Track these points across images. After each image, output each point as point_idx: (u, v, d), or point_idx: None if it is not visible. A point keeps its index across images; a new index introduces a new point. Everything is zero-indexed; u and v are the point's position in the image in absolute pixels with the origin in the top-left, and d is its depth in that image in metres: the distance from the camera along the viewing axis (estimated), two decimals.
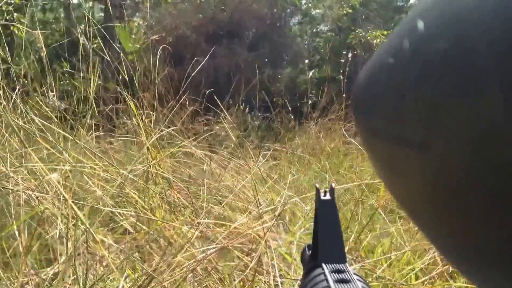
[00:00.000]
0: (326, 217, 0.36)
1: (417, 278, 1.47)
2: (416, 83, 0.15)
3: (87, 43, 2.77)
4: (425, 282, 1.38)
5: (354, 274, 0.32)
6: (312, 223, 0.38)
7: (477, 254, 0.15)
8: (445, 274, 1.40)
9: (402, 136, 0.16)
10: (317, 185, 0.37)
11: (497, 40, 0.12)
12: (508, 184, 0.12)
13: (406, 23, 0.17)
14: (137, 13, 4.78)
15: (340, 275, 0.32)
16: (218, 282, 1.48)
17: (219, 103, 2.54)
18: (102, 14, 5.15)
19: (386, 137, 0.18)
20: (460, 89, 0.13)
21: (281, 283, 1.37)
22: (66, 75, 3.08)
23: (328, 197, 0.37)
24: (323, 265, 0.34)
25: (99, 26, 2.62)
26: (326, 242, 0.35)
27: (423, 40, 0.15)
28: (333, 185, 0.37)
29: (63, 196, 1.48)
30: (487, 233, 0.14)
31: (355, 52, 6.81)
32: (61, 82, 3.07)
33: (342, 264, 0.34)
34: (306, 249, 0.40)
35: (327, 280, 0.32)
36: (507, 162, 0.12)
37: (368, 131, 0.20)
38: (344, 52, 5.29)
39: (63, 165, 1.67)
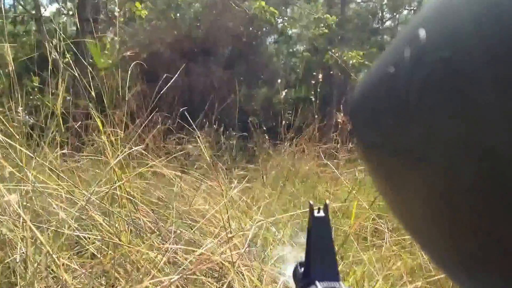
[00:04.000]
0: (320, 234, 0.35)
1: None
2: (419, 93, 0.15)
3: (58, 58, 2.69)
4: None
5: None
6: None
7: (479, 269, 0.15)
8: None
9: (402, 149, 0.16)
10: (311, 202, 0.37)
11: (500, 50, 0.12)
12: (508, 195, 0.12)
13: (407, 32, 0.16)
14: (110, 28, 4.71)
15: None
16: None
17: (193, 121, 2.50)
18: (75, 29, 5.06)
19: (386, 150, 0.17)
20: (464, 100, 0.13)
21: None
22: (35, 90, 2.98)
23: (322, 214, 0.36)
24: (317, 283, 0.33)
25: (70, 41, 2.55)
26: (319, 259, 0.35)
27: (426, 49, 0.15)
28: (328, 202, 0.36)
29: (23, 218, 1.41)
30: (490, 248, 0.13)
31: (331, 73, 6.90)
32: (30, 97, 2.97)
33: (336, 282, 0.33)
34: (298, 266, 0.40)
35: None
36: (510, 177, 0.12)
37: (367, 144, 0.19)
38: (314, 74, 5.33)
39: (24, 186, 1.59)
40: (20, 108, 2.13)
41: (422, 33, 0.15)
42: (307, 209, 0.37)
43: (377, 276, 1.52)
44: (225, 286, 1.45)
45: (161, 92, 2.48)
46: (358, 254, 1.69)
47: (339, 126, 3.73)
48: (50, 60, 2.37)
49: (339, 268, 1.22)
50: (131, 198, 1.81)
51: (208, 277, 1.60)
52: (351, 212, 2.09)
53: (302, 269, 0.37)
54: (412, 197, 0.16)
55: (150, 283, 1.39)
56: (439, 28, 0.14)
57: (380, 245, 1.87)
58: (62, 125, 2.08)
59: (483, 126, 0.12)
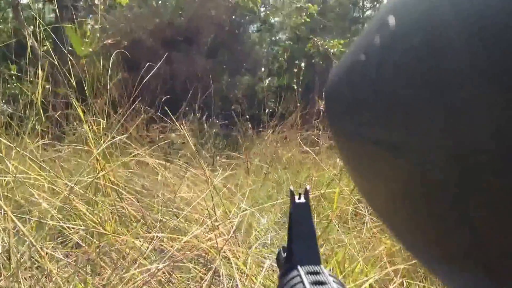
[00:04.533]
0: (301, 219, 0.36)
1: None
2: (388, 82, 0.14)
3: (36, 46, 2.64)
4: None
5: (329, 275, 0.33)
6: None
7: (448, 257, 0.15)
8: (399, 286, 1.43)
9: (375, 138, 0.16)
10: (292, 188, 0.37)
11: (472, 36, 0.12)
12: (481, 189, 0.12)
13: (378, 19, 0.16)
14: (90, 15, 4.62)
15: (315, 276, 0.32)
16: None
17: (176, 110, 2.49)
18: (53, 16, 4.96)
19: (359, 139, 0.17)
20: (434, 88, 0.13)
21: None
22: (13, 78, 2.92)
23: (302, 200, 0.37)
24: (299, 267, 0.34)
25: (48, 27, 2.51)
26: (301, 244, 0.36)
27: (396, 36, 0.15)
28: (308, 188, 0.37)
29: (4, 209, 1.39)
30: (458, 236, 0.14)
31: (313, 61, 6.91)
32: (8, 86, 2.91)
33: (317, 266, 0.34)
34: (281, 251, 0.41)
35: (303, 282, 0.32)
36: (482, 166, 0.12)
37: (341, 133, 0.19)
38: (297, 62, 5.34)
39: (4, 176, 1.57)
40: None
41: (391, 20, 0.15)
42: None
43: (358, 257, 1.55)
44: (211, 272, 1.47)
45: (144, 81, 2.46)
46: (340, 237, 1.72)
47: (321, 113, 3.76)
48: (28, 48, 2.33)
49: (322, 250, 1.26)
50: (115, 187, 1.80)
51: (195, 263, 1.61)
52: (333, 197, 2.12)
53: (285, 254, 0.38)
54: (385, 187, 0.16)
55: (136, 271, 1.40)
56: (409, 15, 0.14)
57: (360, 228, 1.90)
58: (42, 114, 2.05)
59: (459, 113, 0.12)
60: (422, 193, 0.14)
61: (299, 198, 0.37)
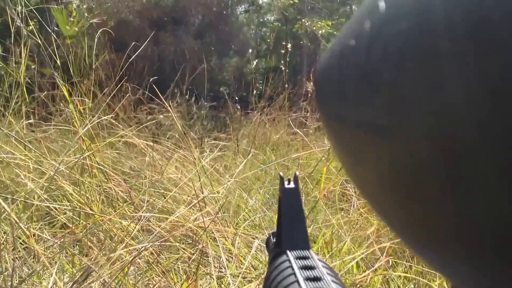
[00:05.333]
0: (290, 205, 0.36)
1: (358, 266, 1.51)
2: (377, 66, 0.15)
3: (22, 26, 2.58)
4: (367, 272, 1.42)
5: (318, 260, 0.33)
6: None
7: (435, 241, 0.15)
8: (385, 264, 1.45)
9: (362, 121, 0.16)
10: (281, 174, 0.37)
11: (458, 22, 0.12)
12: (466, 173, 0.12)
13: (369, 4, 0.16)
14: None
15: (304, 261, 0.33)
16: (161, 274, 1.45)
17: (164, 91, 2.46)
18: None
19: (347, 123, 0.17)
20: (421, 72, 0.13)
21: (226, 275, 1.36)
22: None
23: (292, 185, 0.37)
24: (288, 252, 0.34)
25: (33, 7, 2.45)
26: (290, 229, 0.36)
27: (384, 20, 0.15)
28: (297, 173, 0.37)
29: None
30: (446, 221, 0.14)
31: (301, 43, 6.88)
32: None
33: (306, 251, 0.34)
34: (271, 236, 0.41)
35: (292, 267, 0.32)
36: (467, 149, 0.12)
37: (329, 116, 0.19)
38: (283, 43, 5.30)
39: None
40: None
41: (381, 4, 0.15)
42: (278, 177, 0.38)
43: (345, 237, 1.57)
44: (198, 251, 1.47)
45: (130, 61, 2.43)
46: (328, 217, 1.74)
47: (309, 95, 3.75)
48: (13, 28, 2.28)
49: (310, 230, 1.27)
50: (102, 167, 1.79)
51: (182, 243, 1.62)
52: (318, 179, 2.14)
53: (274, 239, 0.39)
54: (374, 171, 0.16)
55: (123, 251, 1.40)
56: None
57: (348, 208, 1.92)
58: (27, 95, 2.02)
59: (444, 97, 0.12)
60: (409, 176, 0.14)
61: (288, 183, 0.37)
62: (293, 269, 0.31)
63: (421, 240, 0.16)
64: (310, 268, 0.32)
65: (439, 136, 0.13)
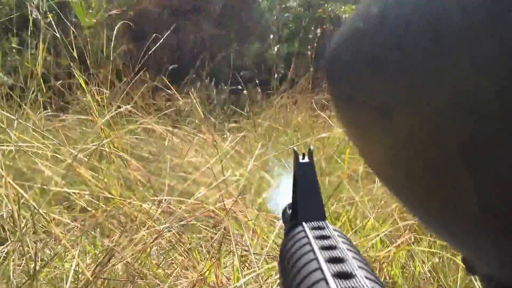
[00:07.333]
0: (305, 178, 0.37)
1: (382, 243, 1.48)
2: (382, 48, 0.15)
3: (40, 17, 2.60)
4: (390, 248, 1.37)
5: (334, 230, 0.33)
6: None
7: (445, 217, 0.15)
8: (408, 240, 1.41)
9: (368, 103, 0.17)
10: (295, 148, 0.38)
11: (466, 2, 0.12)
12: (471, 151, 0.12)
13: None
14: None
15: (320, 231, 0.33)
16: (184, 254, 1.44)
17: (183, 79, 2.44)
18: None
19: (355, 104, 0.18)
20: (424, 54, 0.13)
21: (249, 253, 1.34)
22: (14, 50, 2.91)
23: (306, 159, 0.37)
24: (304, 223, 0.35)
25: (53, 1, 2.48)
26: (306, 202, 0.36)
27: (390, 3, 0.15)
28: (311, 147, 0.38)
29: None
30: (454, 197, 0.14)
31: (324, 27, 6.75)
32: (8, 58, 2.90)
33: (322, 222, 0.35)
34: (287, 208, 0.42)
35: (307, 237, 0.32)
36: (479, 128, 0.12)
37: (339, 97, 0.20)
38: (313, 28, 5.21)
39: (7, 146, 1.57)
40: None
41: None
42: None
43: (369, 214, 1.52)
44: (220, 231, 1.46)
45: (150, 52, 2.41)
46: (351, 196, 1.69)
47: (326, 79, 3.66)
48: (31, 20, 2.31)
49: (334, 208, 1.23)
50: (120, 153, 1.79)
51: (204, 224, 1.61)
52: (342, 158, 2.09)
53: (290, 211, 0.39)
54: (381, 150, 0.17)
55: (145, 233, 1.39)
56: None
57: (372, 186, 1.87)
58: (43, 85, 2.02)
59: (446, 79, 0.12)
60: (419, 156, 0.15)
61: (303, 158, 0.37)
62: (308, 238, 0.32)
63: (431, 211, 0.16)
64: (326, 237, 0.32)
65: (450, 116, 0.13)
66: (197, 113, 2.39)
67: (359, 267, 0.27)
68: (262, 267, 1.27)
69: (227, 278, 1.34)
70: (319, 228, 0.34)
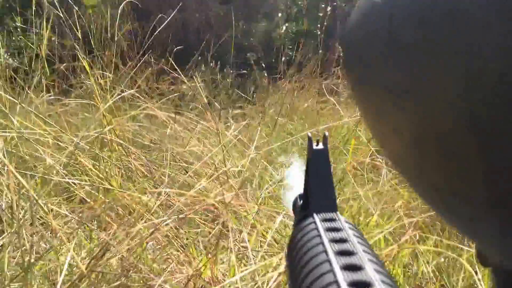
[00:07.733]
0: (318, 166, 0.36)
1: (385, 240, 1.45)
2: (399, 26, 0.15)
3: None
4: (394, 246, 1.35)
5: (345, 222, 0.33)
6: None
7: (457, 202, 0.15)
8: (413, 238, 1.38)
9: (384, 83, 0.16)
10: (310, 134, 0.36)
11: None
12: (485, 133, 0.13)
13: None
14: None
15: (331, 223, 0.32)
16: (180, 249, 1.43)
17: (188, 60, 2.39)
18: None
19: (371, 84, 0.18)
20: (442, 33, 0.13)
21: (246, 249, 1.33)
22: (18, 30, 2.86)
23: (320, 146, 0.36)
24: (314, 214, 0.34)
25: None
26: (317, 191, 0.35)
27: None
28: (326, 133, 0.36)
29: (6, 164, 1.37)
30: (467, 180, 0.14)
31: (335, 4, 6.61)
32: (13, 39, 2.85)
33: (333, 213, 0.34)
34: (298, 198, 0.41)
35: (317, 228, 0.31)
36: (487, 111, 0.12)
37: (355, 78, 0.20)
38: (323, 6, 5.09)
39: (9, 132, 1.54)
40: (1, 50, 2.04)
41: None
42: (305, 147, 0.36)
43: (374, 211, 1.50)
44: (218, 226, 1.44)
45: (155, 33, 2.35)
46: (355, 189, 1.66)
47: (341, 60, 3.59)
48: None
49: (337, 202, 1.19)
50: (122, 142, 1.76)
51: (204, 219, 1.59)
52: (347, 149, 2.05)
53: (301, 201, 0.38)
54: (395, 132, 0.17)
55: (143, 226, 1.38)
56: None
57: (378, 180, 1.84)
58: (47, 68, 1.99)
59: (465, 56, 0.12)
60: (434, 138, 0.15)
61: (317, 145, 0.36)
62: (318, 231, 0.31)
63: (444, 195, 0.16)
64: (336, 230, 0.31)
65: (466, 98, 0.13)
66: (201, 98, 2.35)
67: (369, 260, 0.26)
68: (259, 263, 1.25)
69: (222, 274, 1.33)
70: (331, 220, 0.33)
